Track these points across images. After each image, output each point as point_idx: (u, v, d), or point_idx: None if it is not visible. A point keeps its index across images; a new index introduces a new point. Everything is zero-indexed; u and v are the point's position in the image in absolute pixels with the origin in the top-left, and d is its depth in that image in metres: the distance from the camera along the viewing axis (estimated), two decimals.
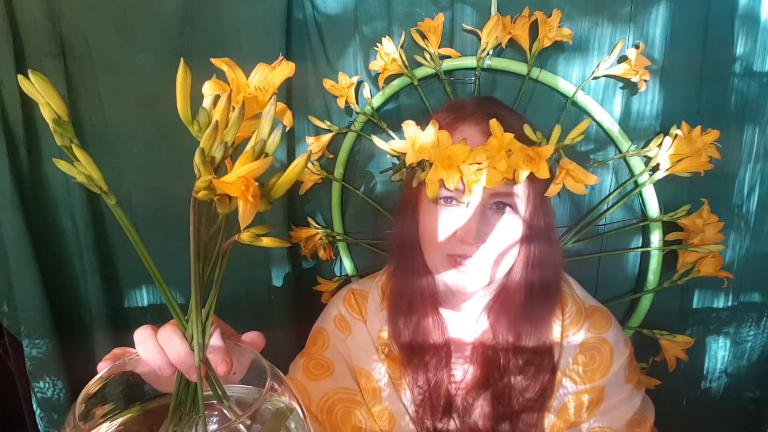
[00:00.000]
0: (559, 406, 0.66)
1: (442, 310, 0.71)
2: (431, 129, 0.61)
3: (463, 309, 0.70)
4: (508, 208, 0.62)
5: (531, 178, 0.61)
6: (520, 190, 0.62)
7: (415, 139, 0.63)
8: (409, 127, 0.63)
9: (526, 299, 0.65)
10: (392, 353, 0.70)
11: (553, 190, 0.65)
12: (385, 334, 0.71)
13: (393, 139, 0.86)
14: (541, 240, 0.65)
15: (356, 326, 0.74)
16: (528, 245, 0.64)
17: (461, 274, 0.62)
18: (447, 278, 0.64)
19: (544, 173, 0.60)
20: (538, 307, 0.66)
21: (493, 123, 0.59)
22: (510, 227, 0.62)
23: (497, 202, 0.62)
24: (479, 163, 0.59)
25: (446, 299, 0.70)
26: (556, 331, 0.68)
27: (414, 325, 0.68)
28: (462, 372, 0.70)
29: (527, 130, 0.63)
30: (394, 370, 0.70)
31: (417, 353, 0.68)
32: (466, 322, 0.70)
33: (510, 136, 0.59)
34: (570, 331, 0.68)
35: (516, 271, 0.65)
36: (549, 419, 0.66)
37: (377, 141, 0.74)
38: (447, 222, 0.62)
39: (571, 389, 0.66)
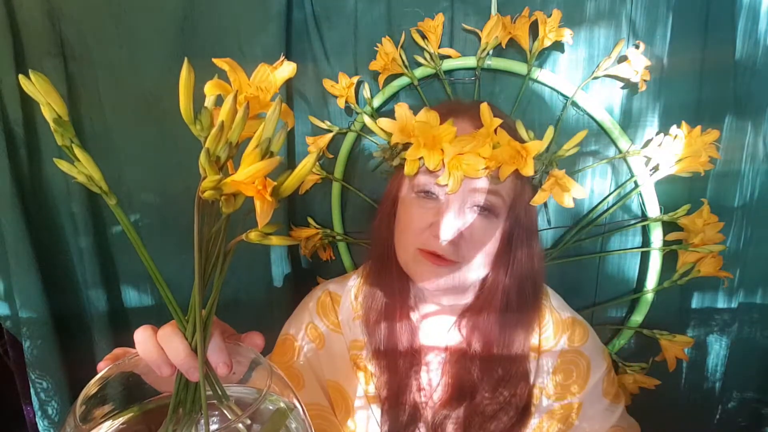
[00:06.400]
0: (535, 424, 0.65)
1: (413, 315, 0.68)
2: (422, 112, 0.60)
3: (438, 316, 0.68)
4: (487, 212, 0.60)
5: (517, 183, 0.59)
6: (504, 192, 0.60)
7: (405, 118, 0.62)
8: (401, 108, 0.63)
9: (502, 310, 0.63)
10: (365, 364, 0.68)
11: (540, 197, 0.62)
12: (358, 344, 0.68)
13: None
14: (522, 249, 0.62)
15: (331, 338, 0.70)
16: (507, 254, 0.62)
17: (430, 270, 0.59)
18: (415, 273, 0.61)
19: (529, 170, 0.58)
20: (514, 320, 0.64)
21: (484, 106, 0.57)
22: (487, 231, 0.60)
23: (478, 204, 0.59)
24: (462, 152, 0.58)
25: (420, 304, 0.68)
26: (532, 347, 0.66)
27: (386, 330, 0.66)
28: (434, 382, 0.67)
29: (520, 127, 0.61)
30: (368, 382, 0.67)
31: (388, 358, 0.66)
32: (439, 330, 0.68)
33: (499, 120, 0.58)
34: (547, 346, 0.66)
35: (493, 280, 0.63)
36: None
37: (367, 120, 0.75)
38: (423, 215, 0.60)
39: (546, 405, 0.65)
